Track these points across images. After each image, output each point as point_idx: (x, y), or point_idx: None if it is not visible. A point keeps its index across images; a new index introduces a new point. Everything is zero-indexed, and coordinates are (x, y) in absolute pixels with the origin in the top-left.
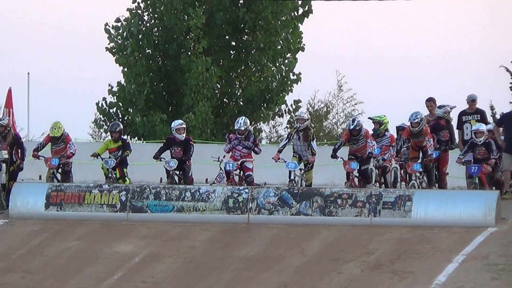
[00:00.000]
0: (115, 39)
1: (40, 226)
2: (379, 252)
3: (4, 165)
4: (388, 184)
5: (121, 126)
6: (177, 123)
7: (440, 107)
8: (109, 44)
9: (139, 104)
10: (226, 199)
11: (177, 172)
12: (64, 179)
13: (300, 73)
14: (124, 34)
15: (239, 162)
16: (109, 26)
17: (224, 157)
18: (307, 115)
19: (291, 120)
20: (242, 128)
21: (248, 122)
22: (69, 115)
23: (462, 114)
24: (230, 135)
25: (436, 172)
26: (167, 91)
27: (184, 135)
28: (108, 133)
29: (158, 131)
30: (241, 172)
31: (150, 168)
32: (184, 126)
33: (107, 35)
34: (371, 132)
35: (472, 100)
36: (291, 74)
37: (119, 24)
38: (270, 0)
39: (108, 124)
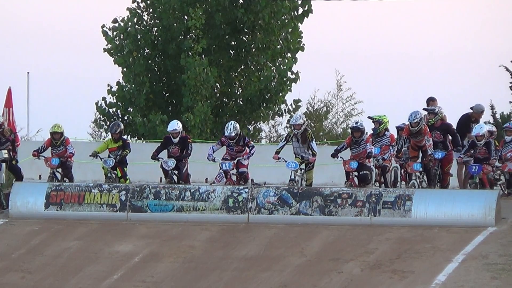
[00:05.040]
0: (113, 39)
1: (40, 226)
2: (379, 251)
3: (3, 165)
4: (388, 184)
5: (122, 127)
6: (171, 128)
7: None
8: (107, 45)
9: (138, 103)
10: (226, 199)
11: (176, 172)
12: (66, 173)
13: (298, 72)
14: (122, 34)
15: (235, 161)
16: (106, 28)
17: (222, 159)
18: (302, 119)
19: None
20: (233, 134)
21: (238, 126)
22: (69, 115)
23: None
24: (223, 139)
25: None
26: (167, 90)
27: (179, 137)
28: (109, 133)
29: (159, 132)
30: (237, 170)
31: (150, 167)
32: (178, 130)
33: (104, 37)
34: (370, 131)
35: (482, 111)
36: (290, 73)
37: (116, 24)
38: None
39: (108, 124)
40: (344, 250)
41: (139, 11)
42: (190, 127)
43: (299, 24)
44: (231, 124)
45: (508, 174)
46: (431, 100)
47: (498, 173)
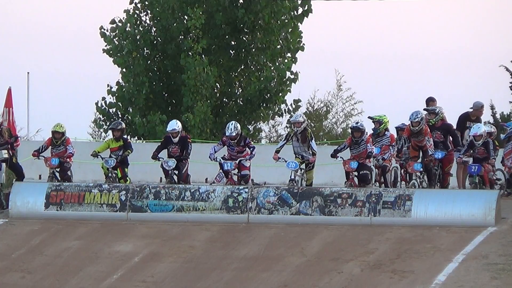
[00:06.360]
0: (113, 40)
1: (40, 226)
2: (379, 251)
3: (4, 165)
4: (388, 184)
5: (123, 125)
6: (170, 128)
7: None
8: (106, 46)
9: (138, 103)
10: (226, 199)
11: (176, 172)
12: (62, 175)
13: (298, 72)
14: (121, 35)
15: (237, 162)
16: (104, 29)
17: (223, 158)
18: (302, 118)
19: (290, 120)
20: (234, 134)
21: (239, 126)
22: (69, 115)
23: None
24: (224, 138)
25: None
26: (167, 90)
27: (178, 137)
28: (109, 133)
29: (158, 132)
30: (239, 172)
31: (150, 167)
32: (177, 130)
33: (103, 38)
34: (370, 131)
35: (481, 106)
36: (289, 73)
37: (114, 25)
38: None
39: (108, 124)
40: (344, 250)
41: (137, 12)
42: (190, 127)
43: (299, 24)
44: (231, 124)
45: (508, 174)
46: (430, 101)
47: (498, 173)
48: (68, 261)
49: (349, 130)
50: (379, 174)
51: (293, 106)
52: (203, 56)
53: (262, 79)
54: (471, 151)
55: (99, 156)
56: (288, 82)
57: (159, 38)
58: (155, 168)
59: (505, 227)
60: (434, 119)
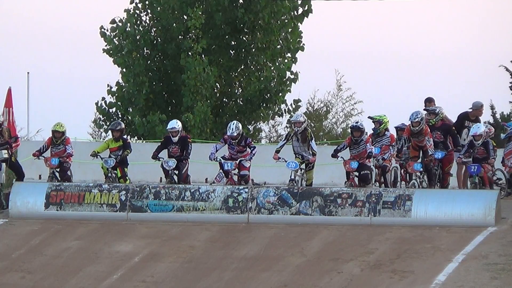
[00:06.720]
0: (113, 39)
1: (39, 226)
2: (379, 251)
3: (4, 165)
4: (388, 184)
5: (123, 125)
6: (170, 126)
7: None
8: (106, 46)
9: (138, 103)
10: (226, 199)
11: (176, 172)
12: (62, 175)
13: (297, 72)
14: (121, 34)
15: (237, 162)
16: (104, 29)
17: (223, 157)
18: (303, 117)
19: (291, 120)
20: (235, 134)
21: (240, 126)
22: (69, 115)
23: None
24: (225, 137)
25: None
26: (167, 90)
27: (178, 137)
28: (109, 133)
29: (158, 131)
30: (239, 172)
31: (150, 167)
32: (177, 129)
33: (103, 38)
34: (370, 131)
35: (481, 106)
36: (289, 73)
37: (114, 25)
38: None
39: (108, 124)
40: (344, 250)
41: (138, 11)
42: (190, 127)
43: (299, 24)
44: (233, 124)
45: (509, 174)
46: (427, 101)
47: (498, 173)
48: (68, 261)
49: (349, 130)
50: (379, 174)
51: (293, 106)
52: (203, 56)
53: (262, 79)
54: (471, 151)
55: (98, 156)
56: (288, 82)
57: (159, 38)
58: (155, 168)
59: (505, 227)
60: (434, 119)
